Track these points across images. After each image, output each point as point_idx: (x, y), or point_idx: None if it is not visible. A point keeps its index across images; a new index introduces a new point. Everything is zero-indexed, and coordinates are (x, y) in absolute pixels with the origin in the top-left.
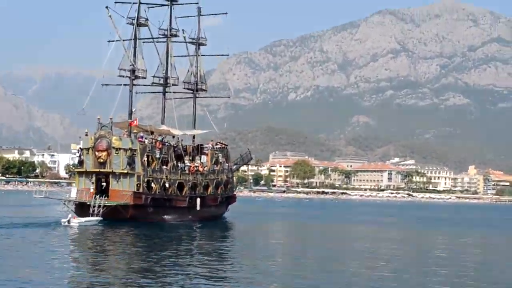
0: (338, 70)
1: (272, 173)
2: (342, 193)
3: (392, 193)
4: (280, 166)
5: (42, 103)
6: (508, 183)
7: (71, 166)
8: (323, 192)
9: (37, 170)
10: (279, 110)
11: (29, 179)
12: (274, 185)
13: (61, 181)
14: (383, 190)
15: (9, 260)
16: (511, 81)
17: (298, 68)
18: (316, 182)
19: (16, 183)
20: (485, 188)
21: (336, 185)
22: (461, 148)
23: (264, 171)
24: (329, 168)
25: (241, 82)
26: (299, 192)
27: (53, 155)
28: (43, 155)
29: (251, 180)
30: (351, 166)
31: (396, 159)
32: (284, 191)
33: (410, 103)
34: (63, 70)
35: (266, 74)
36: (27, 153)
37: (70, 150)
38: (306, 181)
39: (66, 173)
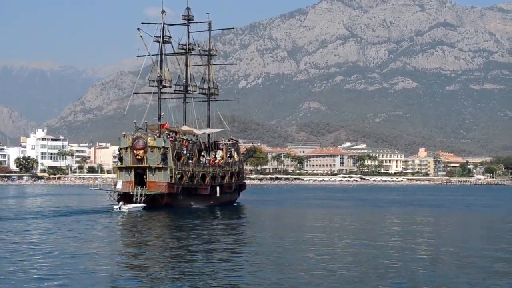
0: (288, 57)
1: None
2: (295, 179)
3: (344, 177)
4: None
5: None
6: (457, 164)
7: (21, 159)
8: (276, 178)
9: None
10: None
11: None
12: None
13: (12, 175)
14: (335, 174)
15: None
16: (457, 64)
17: (248, 56)
18: (269, 169)
19: None
20: (435, 169)
21: (289, 171)
22: (411, 131)
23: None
24: (282, 154)
25: (192, 70)
26: (253, 179)
27: (2, 149)
28: None
29: None
30: (303, 151)
31: (348, 144)
32: None
33: (360, 88)
34: (9, 64)
35: (216, 62)
36: None
37: (19, 144)
38: (259, 167)
39: (17, 166)
